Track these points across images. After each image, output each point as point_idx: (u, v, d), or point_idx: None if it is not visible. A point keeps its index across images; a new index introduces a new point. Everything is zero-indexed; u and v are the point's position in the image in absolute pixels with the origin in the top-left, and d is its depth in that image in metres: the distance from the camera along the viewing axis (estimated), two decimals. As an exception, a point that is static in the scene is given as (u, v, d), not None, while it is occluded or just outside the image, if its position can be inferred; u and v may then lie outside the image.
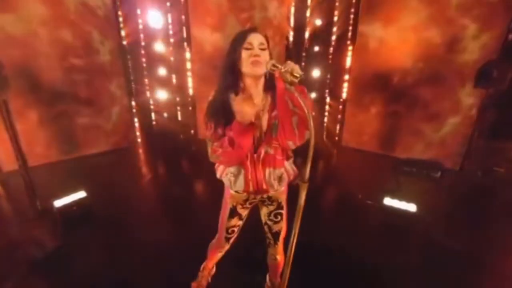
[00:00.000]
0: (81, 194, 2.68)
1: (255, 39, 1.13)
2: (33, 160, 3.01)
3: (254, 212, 1.58)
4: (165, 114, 4.34)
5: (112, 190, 3.16)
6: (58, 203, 2.55)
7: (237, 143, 1.13)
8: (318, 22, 3.85)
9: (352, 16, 3.72)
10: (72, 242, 2.36)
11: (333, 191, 3.45)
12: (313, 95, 4.28)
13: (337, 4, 3.66)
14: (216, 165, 1.40)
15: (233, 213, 1.46)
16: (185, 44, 4.05)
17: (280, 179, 1.33)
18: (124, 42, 3.88)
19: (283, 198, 1.45)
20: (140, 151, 4.37)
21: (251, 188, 1.31)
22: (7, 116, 2.34)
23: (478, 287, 2.04)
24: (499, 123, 2.79)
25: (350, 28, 3.77)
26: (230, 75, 1.17)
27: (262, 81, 1.20)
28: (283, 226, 1.52)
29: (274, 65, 1.05)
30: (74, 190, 2.69)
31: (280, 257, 1.64)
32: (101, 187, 3.09)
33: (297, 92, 0.94)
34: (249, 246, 1.97)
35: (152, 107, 4.28)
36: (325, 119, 4.39)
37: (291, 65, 0.97)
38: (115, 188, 3.22)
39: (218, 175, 1.40)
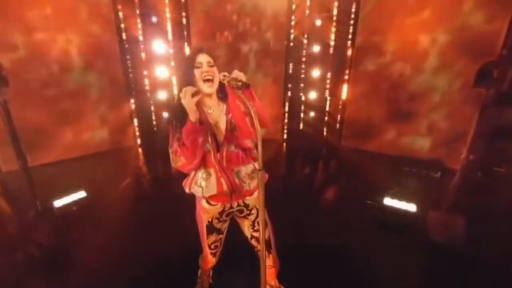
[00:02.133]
0: (81, 194, 2.68)
1: (203, 58, 1.26)
2: (33, 160, 3.01)
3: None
4: (165, 114, 4.35)
5: (112, 190, 3.16)
6: (58, 203, 2.55)
7: (190, 139, 1.22)
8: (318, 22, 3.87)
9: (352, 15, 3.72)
10: (72, 242, 2.36)
11: (333, 191, 3.45)
12: (313, 94, 4.30)
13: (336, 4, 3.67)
14: (184, 181, 1.43)
15: (211, 229, 1.46)
16: (185, 43, 4.06)
17: (251, 176, 1.35)
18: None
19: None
20: (140, 151, 4.37)
21: (224, 187, 1.32)
22: (7, 116, 2.34)
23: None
24: (499, 123, 2.79)
25: (351, 26, 3.77)
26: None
27: (214, 94, 1.33)
28: (270, 231, 1.51)
29: (223, 75, 1.22)
30: (74, 190, 2.69)
31: (276, 265, 1.64)
32: (101, 187, 3.09)
33: (243, 95, 1.08)
34: (248, 246, 1.97)
35: (152, 107, 4.28)
36: (325, 119, 4.40)
37: (235, 72, 1.17)
38: (115, 188, 3.22)
39: (187, 190, 1.41)
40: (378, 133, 4.11)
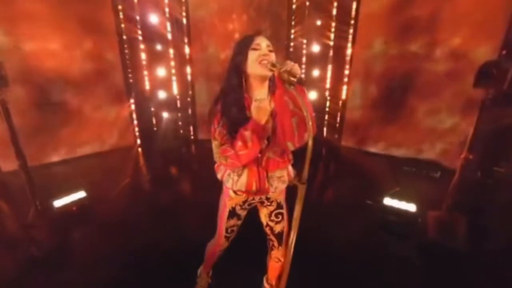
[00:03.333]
0: (81, 194, 2.68)
1: (263, 41, 1.14)
2: (33, 160, 3.01)
3: (253, 212, 1.58)
4: (165, 114, 4.35)
5: (112, 190, 3.16)
6: (58, 203, 2.55)
7: (253, 142, 1.11)
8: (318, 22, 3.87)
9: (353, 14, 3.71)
10: (72, 242, 2.36)
11: (333, 191, 3.45)
12: (313, 94, 4.29)
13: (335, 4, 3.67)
14: (217, 165, 1.40)
15: (233, 214, 1.47)
16: (186, 42, 4.06)
17: (280, 180, 1.34)
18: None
19: (281, 198, 1.46)
20: (140, 151, 4.37)
21: (253, 188, 1.31)
22: (6, 116, 2.34)
23: None
24: (499, 123, 2.79)
25: (351, 26, 3.77)
26: (235, 76, 1.17)
27: (267, 83, 1.19)
28: (285, 225, 1.52)
29: (273, 65, 1.04)
30: (74, 190, 2.69)
31: (284, 260, 1.63)
32: (101, 187, 3.09)
33: (296, 92, 0.93)
34: (248, 246, 1.97)
35: (152, 108, 4.28)
36: (325, 119, 4.40)
37: (289, 64, 0.97)
38: (115, 188, 3.22)
39: (219, 176, 1.40)
40: (378, 133, 4.11)
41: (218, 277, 1.93)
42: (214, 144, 1.24)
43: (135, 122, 4.32)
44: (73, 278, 2.02)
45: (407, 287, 2.04)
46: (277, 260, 1.61)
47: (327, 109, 4.33)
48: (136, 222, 2.67)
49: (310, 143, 0.90)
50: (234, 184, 1.33)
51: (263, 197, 1.42)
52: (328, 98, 4.27)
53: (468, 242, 2.37)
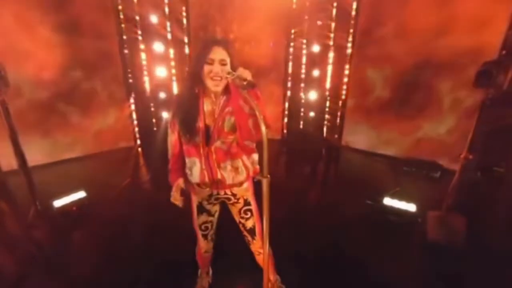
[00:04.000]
0: (80, 194, 2.68)
1: (217, 55, 1.20)
2: (33, 160, 3.01)
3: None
4: (165, 114, 4.35)
5: (112, 190, 3.16)
6: (58, 203, 2.55)
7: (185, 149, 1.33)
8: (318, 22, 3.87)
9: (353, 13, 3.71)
10: (71, 242, 2.35)
11: (333, 191, 3.45)
12: (313, 94, 4.30)
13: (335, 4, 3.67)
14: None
15: (201, 209, 1.51)
16: (186, 41, 4.06)
17: (236, 171, 1.36)
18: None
19: (248, 195, 1.50)
20: (140, 151, 4.37)
21: (206, 179, 1.35)
22: (6, 116, 2.34)
23: None
24: (499, 123, 2.79)
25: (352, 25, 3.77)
26: (191, 83, 1.29)
27: (219, 91, 1.28)
28: (255, 221, 1.55)
29: (228, 72, 1.15)
30: (74, 190, 2.69)
31: (263, 250, 1.66)
32: (101, 187, 3.09)
33: (248, 95, 1.03)
34: (248, 246, 1.97)
35: (152, 108, 4.28)
36: (325, 119, 4.40)
37: (241, 70, 1.09)
38: (114, 188, 3.21)
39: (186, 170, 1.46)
40: (378, 133, 4.11)
41: (218, 276, 1.93)
42: (169, 135, 1.41)
43: (135, 122, 4.32)
44: (73, 278, 2.01)
45: (407, 287, 2.04)
46: (258, 253, 1.66)
47: (327, 109, 4.34)
48: (136, 222, 2.67)
49: (264, 139, 0.97)
50: (190, 177, 1.39)
51: (229, 193, 1.45)
52: (328, 98, 4.27)
53: (468, 242, 2.37)
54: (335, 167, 4.13)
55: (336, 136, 4.39)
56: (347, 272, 2.10)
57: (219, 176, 1.34)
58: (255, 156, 1.41)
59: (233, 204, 1.51)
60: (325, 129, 4.45)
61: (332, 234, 2.49)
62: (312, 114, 4.44)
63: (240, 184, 1.42)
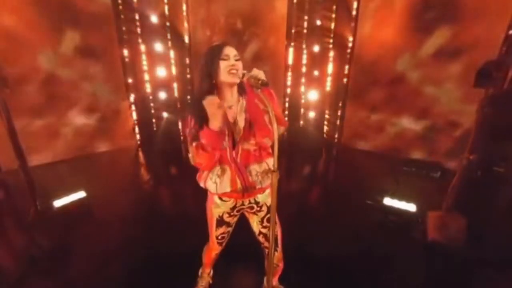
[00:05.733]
0: (81, 194, 2.68)
1: (231, 51, 1.23)
2: (33, 160, 3.02)
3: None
4: (165, 114, 4.35)
5: (112, 190, 3.16)
6: (58, 203, 2.55)
7: (211, 146, 1.21)
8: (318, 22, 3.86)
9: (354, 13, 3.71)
10: (72, 242, 2.36)
11: (333, 191, 3.45)
12: (313, 94, 4.30)
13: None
14: (198, 174, 1.42)
15: (221, 223, 1.47)
16: (186, 41, 4.06)
17: (263, 174, 1.36)
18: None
19: (270, 201, 1.46)
20: (140, 151, 4.37)
21: (238, 185, 1.32)
22: (6, 115, 2.34)
23: None
24: (499, 123, 2.78)
25: (352, 24, 3.76)
26: (207, 83, 1.26)
27: (235, 89, 1.30)
28: (278, 229, 1.53)
29: (243, 73, 1.19)
30: (74, 190, 2.69)
31: (281, 264, 1.67)
32: (101, 187, 3.09)
33: (262, 94, 1.07)
34: (248, 246, 1.98)
35: (152, 110, 4.28)
36: (325, 118, 4.40)
37: (255, 71, 1.14)
38: (115, 188, 3.22)
39: (202, 185, 1.40)
40: (378, 133, 4.11)
41: (219, 276, 1.93)
42: (189, 146, 1.30)
43: (135, 122, 4.32)
44: (73, 278, 2.02)
45: (407, 287, 2.04)
46: (276, 266, 1.64)
47: (327, 109, 4.34)
48: (136, 222, 2.67)
49: (276, 136, 1.04)
50: (218, 187, 1.33)
51: (252, 201, 1.42)
52: (328, 97, 4.26)
53: (468, 242, 2.37)
54: (335, 167, 4.13)
55: (336, 136, 4.39)
56: (347, 272, 2.10)
57: (250, 180, 1.33)
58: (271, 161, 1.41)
59: (255, 213, 1.49)
60: (325, 128, 4.45)
61: (332, 234, 2.49)
62: (312, 114, 4.44)
63: (263, 190, 1.41)
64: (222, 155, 1.30)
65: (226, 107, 1.27)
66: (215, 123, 1.16)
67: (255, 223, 1.53)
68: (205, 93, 1.25)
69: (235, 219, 1.52)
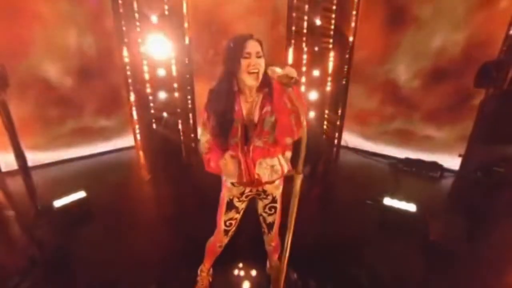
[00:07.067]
0: (81, 194, 2.68)
1: (253, 48, 1.20)
2: (33, 160, 3.02)
3: (253, 211, 1.59)
4: (165, 114, 4.34)
5: (112, 190, 3.16)
6: (58, 203, 2.55)
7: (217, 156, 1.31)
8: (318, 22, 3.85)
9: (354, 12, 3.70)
10: (72, 242, 2.36)
11: (333, 191, 3.45)
12: (313, 94, 4.29)
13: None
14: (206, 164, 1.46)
15: (230, 206, 1.53)
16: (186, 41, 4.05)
17: (272, 169, 1.38)
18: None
19: (277, 193, 1.53)
20: (140, 151, 4.36)
21: (244, 179, 1.36)
22: (6, 116, 2.34)
23: None
24: (499, 123, 2.79)
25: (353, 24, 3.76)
26: (227, 81, 1.26)
27: (255, 87, 1.28)
28: (276, 218, 1.63)
29: (272, 70, 1.13)
30: (74, 190, 2.69)
31: (274, 243, 1.77)
32: (101, 187, 3.09)
33: (293, 93, 1.04)
34: (248, 245, 1.98)
35: (152, 110, 4.27)
36: (325, 119, 4.39)
37: (288, 69, 1.08)
38: (115, 188, 3.22)
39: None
40: (378, 133, 4.11)
41: (218, 275, 1.93)
42: (202, 135, 1.37)
43: (135, 122, 4.31)
44: (73, 278, 2.02)
45: (407, 287, 2.05)
46: (269, 244, 1.78)
47: (327, 109, 4.33)
48: (136, 222, 2.67)
49: (304, 136, 1.01)
50: (226, 176, 1.43)
51: (260, 189, 1.49)
52: (328, 98, 4.26)
53: (468, 242, 2.37)
54: (335, 167, 4.12)
55: (336, 135, 4.38)
56: (347, 272, 2.10)
57: (256, 176, 1.36)
58: (288, 154, 1.45)
59: (260, 199, 1.58)
60: (325, 128, 4.44)
61: (332, 234, 2.49)
62: (312, 114, 4.43)
63: (273, 181, 1.45)
64: (233, 148, 1.33)
65: (243, 101, 1.29)
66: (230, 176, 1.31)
67: (260, 207, 1.63)
68: (225, 90, 1.26)
69: (243, 205, 1.57)
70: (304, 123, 1.01)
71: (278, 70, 1.08)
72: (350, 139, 4.33)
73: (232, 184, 1.45)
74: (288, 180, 1.25)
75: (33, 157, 3.15)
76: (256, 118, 1.29)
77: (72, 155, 3.85)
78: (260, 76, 1.21)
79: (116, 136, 4.26)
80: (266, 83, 1.25)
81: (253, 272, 2.02)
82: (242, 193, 1.49)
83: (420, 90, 3.62)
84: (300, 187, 1.10)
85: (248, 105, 1.29)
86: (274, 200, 1.54)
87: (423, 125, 3.71)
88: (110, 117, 4.16)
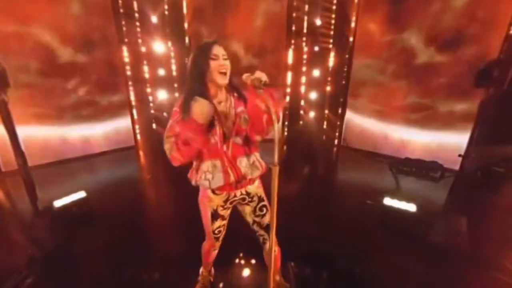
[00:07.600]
0: (81, 194, 2.68)
1: (219, 50, 1.28)
2: (33, 160, 3.01)
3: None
4: (165, 114, 4.34)
5: (112, 190, 3.16)
6: (58, 203, 2.55)
7: (191, 140, 1.23)
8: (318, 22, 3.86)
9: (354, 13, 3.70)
10: (72, 242, 2.36)
11: (333, 191, 3.45)
12: (313, 95, 4.29)
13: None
14: (189, 173, 1.45)
15: (215, 216, 1.51)
16: (186, 41, 4.05)
17: (253, 165, 1.42)
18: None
19: (261, 192, 1.54)
20: (140, 151, 4.36)
21: (231, 178, 1.37)
22: (6, 116, 2.34)
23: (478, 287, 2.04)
24: (499, 123, 2.79)
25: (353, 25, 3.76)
26: (198, 82, 1.30)
27: (223, 88, 1.37)
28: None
29: (246, 75, 1.22)
30: (74, 190, 2.69)
31: (277, 248, 1.70)
32: (101, 187, 3.09)
33: (265, 95, 1.12)
34: (248, 244, 1.98)
35: (152, 110, 4.27)
36: (325, 119, 4.40)
37: (258, 73, 1.18)
38: (115, 188, 3.22)
39: (193, 183, 1.43)
40: (378, 133, 4.11)
41: (219, 274, 1.93)
42: (167, 140, 1.32)
43: (135, 122, 4.31)
44: (73, 278, 2.02)
45: (407, 287, 2.04)
46: (272, 250, 1.66)
47: (327, 109, 4.33)
48: (136, 222, 2.67)
49: (276, 129, 1.07)
50: (211, 182, 1.36)
51: (244, 192, 1.48)
52: (328, 98, 4.26)
53: (468, 242, 2.37)
54: (335, 167, 4.13)
55: (336, 135, 4.38)
56: (347, 272, 2.10)
57: (242, 172, 1.38)
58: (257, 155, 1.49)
59: (247, 203, 1.54)
60: (325, 128, 4.44)
61: (332, 234, 2.49)
62: (312, 114, 4.43)
63: (253, 181, 1.48)
64: (212, 150, 1.34)
65: (216, 102, 1.33)
66: (202, 120, 1.19)
67: (248, 214, 1.58)
68: (196, 92, 1.26)
69: (229, 211, 1.56)
70: (275, 123, 1.06)
71: (251, 75, 1.18)
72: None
73: (214, 192, 1.43)
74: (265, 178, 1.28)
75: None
76: (232, 117, 1.36)
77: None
78: (228, 75, 1.30)
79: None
80: (234, 86, 1.38)
81: (255, 272, 2.02)
82: (226, 200, 1.47)
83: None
84: (277, 178, 1.13)
85: (221, 107, 1.35)
86: (261, 199, 1.55)
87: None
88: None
